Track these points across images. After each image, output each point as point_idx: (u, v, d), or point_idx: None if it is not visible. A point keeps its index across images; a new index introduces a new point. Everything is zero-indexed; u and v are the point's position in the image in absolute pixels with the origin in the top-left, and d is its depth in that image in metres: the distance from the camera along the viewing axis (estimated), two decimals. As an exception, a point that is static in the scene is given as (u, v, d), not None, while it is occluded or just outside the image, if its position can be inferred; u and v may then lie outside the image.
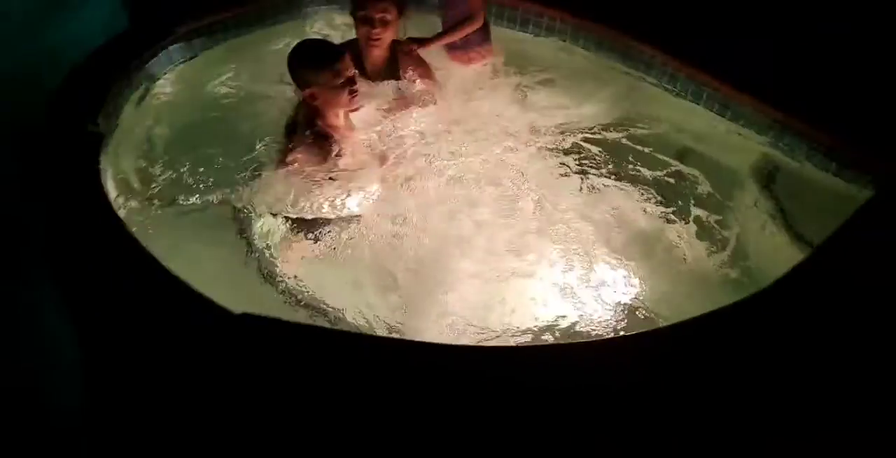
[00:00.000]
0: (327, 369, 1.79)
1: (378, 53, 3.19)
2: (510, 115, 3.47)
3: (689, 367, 1.91)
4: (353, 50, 3.12)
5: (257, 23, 3.53)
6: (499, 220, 2.83)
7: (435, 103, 3.26)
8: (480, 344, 2.29)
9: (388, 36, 3.13)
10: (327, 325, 2.30)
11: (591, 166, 3.20)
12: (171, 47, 3.23)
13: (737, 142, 3.17)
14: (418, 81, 3.21)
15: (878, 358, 1.99)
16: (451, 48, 3.50)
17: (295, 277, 2.50)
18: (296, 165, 2.61)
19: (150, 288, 2.02)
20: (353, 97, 2.65)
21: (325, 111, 2.66)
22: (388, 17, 3.07)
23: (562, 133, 3.37)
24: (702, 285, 2.64)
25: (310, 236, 2.64)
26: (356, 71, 2.66)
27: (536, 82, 3.68)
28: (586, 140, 3.33)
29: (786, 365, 1.95)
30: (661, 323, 2.46)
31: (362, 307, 2.41)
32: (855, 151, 2.80)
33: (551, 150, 3.27)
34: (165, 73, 3.22)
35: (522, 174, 3.11)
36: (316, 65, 2.56)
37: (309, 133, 2.65)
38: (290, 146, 2.65)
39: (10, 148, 3.66)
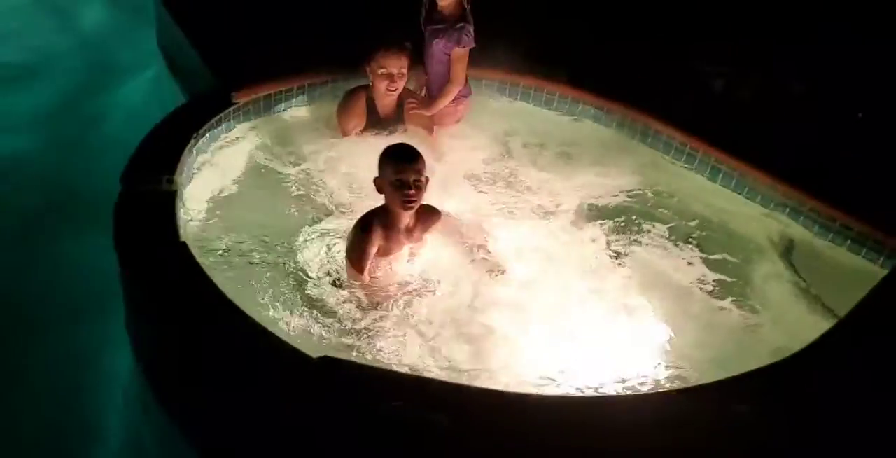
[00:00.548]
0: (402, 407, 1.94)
1: (392, 100, 3.66)
2: (535, 188, 3.71)
3: (723, 425, 2.06)
4: (368, 95, 3.62)
5: (315, 96, 3.83)
6: (537, 285, 3.01)
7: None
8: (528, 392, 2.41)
9: (402, 85, 3.59)
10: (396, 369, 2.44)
11: (616, 237, 3.40)
12: (231, 116, 3.48)
13: (754, 217, 3.41)
14: (424, 131, 3.73)
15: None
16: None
17: (357, 326, 2.69)
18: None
19: (234, 336, 2.17)
20: (406, 202, 2.73)
21: (391, 208, 2.81)
22: (405, 70, 3.54)
23: (586, 205, 3.60)
24: (728, 347, 2.80)
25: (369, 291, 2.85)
26: (418, 184, 2.74)
27: (560, 158, 3.94)
28: (609, 212, 3.56)
29: (814, 430, 2.09)
30: (693, 381, 2.59)
31: (420, 356, 2.59)
32: (869, 227, 3.03)
33: (579, 220, 3.49)
34: (225, 140, 3.46)
35: (552, 245, 3.32)
36: (386, 157, 2.78)
37: (367, 225, 2.82)
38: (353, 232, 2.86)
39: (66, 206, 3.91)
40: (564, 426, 1.95)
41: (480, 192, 3.63)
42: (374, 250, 2.83)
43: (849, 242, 3.13)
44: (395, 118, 3.73)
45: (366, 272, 2.83)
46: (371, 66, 3.54)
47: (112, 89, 5.18)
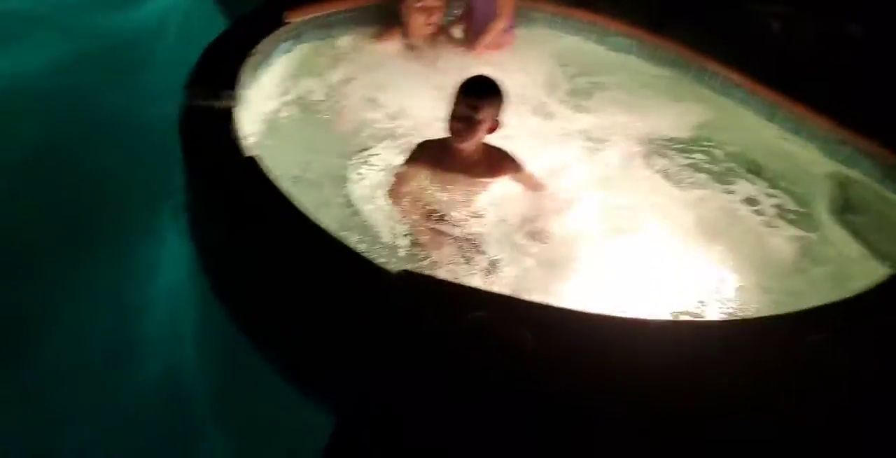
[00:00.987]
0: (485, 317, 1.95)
1: (428, 37, 3.70)
2: (583, 120, 3.68)
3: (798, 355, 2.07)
4: (403, 33, 3.64)
5: (366, 18, 3.77)
6: (596, 216, 3.01)
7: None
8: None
9: (439, 18, 3.67)
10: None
11: (669, 172, 3.38)
12: (283, 35, 3.42)
13: (809, 159, 3.37)
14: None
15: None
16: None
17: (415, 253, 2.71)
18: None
19: (311, 250, 2.16)
20: (455, 132, 2.71)
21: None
22: (441, 3, 3.59)
23: (637, 140, 3.54)
24: (783, 285, 2.80)
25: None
26: (469, 119, 2.69)
27: (611, 95, 3.90)
28: (662, 150, 3.52)
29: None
30: (746, 315, 2.60)
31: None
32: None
33: (630, 153, 3.45)
34: (278, 59, 3.41)
35: (605, 174, 3.29)
36: (459, 85, 2.70)
37: (420, 149, 2.84)
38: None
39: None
40: (655, 348, 1.96)
41: (525, 119, 3.55)
42: (415, 171, 2.82)
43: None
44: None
45: (400, 194, 2.83)
46: (408, 1, 3.54)
47: (141, 7, 5.07)
